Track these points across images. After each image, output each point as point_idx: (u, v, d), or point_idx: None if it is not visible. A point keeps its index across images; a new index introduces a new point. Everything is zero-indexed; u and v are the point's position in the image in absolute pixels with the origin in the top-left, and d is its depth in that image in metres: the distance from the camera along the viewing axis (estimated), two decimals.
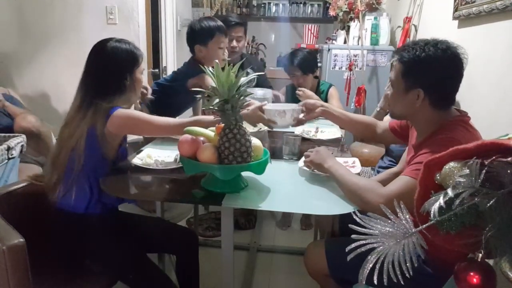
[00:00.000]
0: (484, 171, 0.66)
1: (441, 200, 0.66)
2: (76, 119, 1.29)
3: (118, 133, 1.33)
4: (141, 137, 2.25)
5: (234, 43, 2.45)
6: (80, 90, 1.33)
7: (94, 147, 1.27)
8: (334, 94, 2.52)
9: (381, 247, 0.70)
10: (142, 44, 2.78)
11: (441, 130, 1.11)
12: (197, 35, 1.94)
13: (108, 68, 1.33)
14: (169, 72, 3.35)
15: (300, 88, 2.39)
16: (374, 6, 3.17)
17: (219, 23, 1.96)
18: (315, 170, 1.35)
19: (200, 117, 1.57)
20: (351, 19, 3.24)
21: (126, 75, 1.34)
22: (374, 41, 3.14)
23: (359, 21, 3.06)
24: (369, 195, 1.07)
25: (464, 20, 1.87)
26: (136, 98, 1.48)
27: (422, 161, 1.04)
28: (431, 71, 1.10)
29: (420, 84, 1.12)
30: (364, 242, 0.71)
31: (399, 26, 2.96)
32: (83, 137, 1.26)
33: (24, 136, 1.96)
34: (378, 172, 2.11)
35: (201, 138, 1.24)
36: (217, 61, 2.00)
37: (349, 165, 1.43)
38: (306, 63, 2.42)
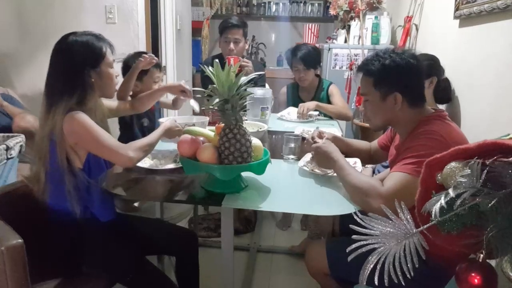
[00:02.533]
0: (485, 171, 0.65)
1: (442, 200, 0.66)
2: (45, 124, 1.22)
3: (69, 137, 1.20)
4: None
5: (231, 45, 2.43)
6: (45, 92, 1.23)
7: (55, 151, 1.20)
8: (335, 92, 2.53)
9: (382, 248, 0.70)
10: (141, 43, 2.77)
11: (418, 126, 1.20)
12: None
13: (64, 66, 1.22)
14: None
15: (301, 105, 2.37)
16: (374, 5, 3.17)
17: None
18: (315, 170, 1.34)
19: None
20: (352, 18, 3.24)
21: (88, 72, 1.23)
22: (375, 41, 3.14)
23: (360, 20, 3.06)
24: (368, 197, 1.10)
25: (465, 19, 1.87)
26: (111, 94, 1.37)
27: (408, 156, 1.12)
28: (400, 74, 1.20)
29: (395, 88, 1.21)
30: (365, 242, 0.71)
31: (400, 26, 2.96)
32: (47, 140, 1.20)
33: (23, 136, 1.95)
34: (379, 171, 2.11)
35: (201, 138, 1.24)
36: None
37: None
38: (309, 58, 2.44)
